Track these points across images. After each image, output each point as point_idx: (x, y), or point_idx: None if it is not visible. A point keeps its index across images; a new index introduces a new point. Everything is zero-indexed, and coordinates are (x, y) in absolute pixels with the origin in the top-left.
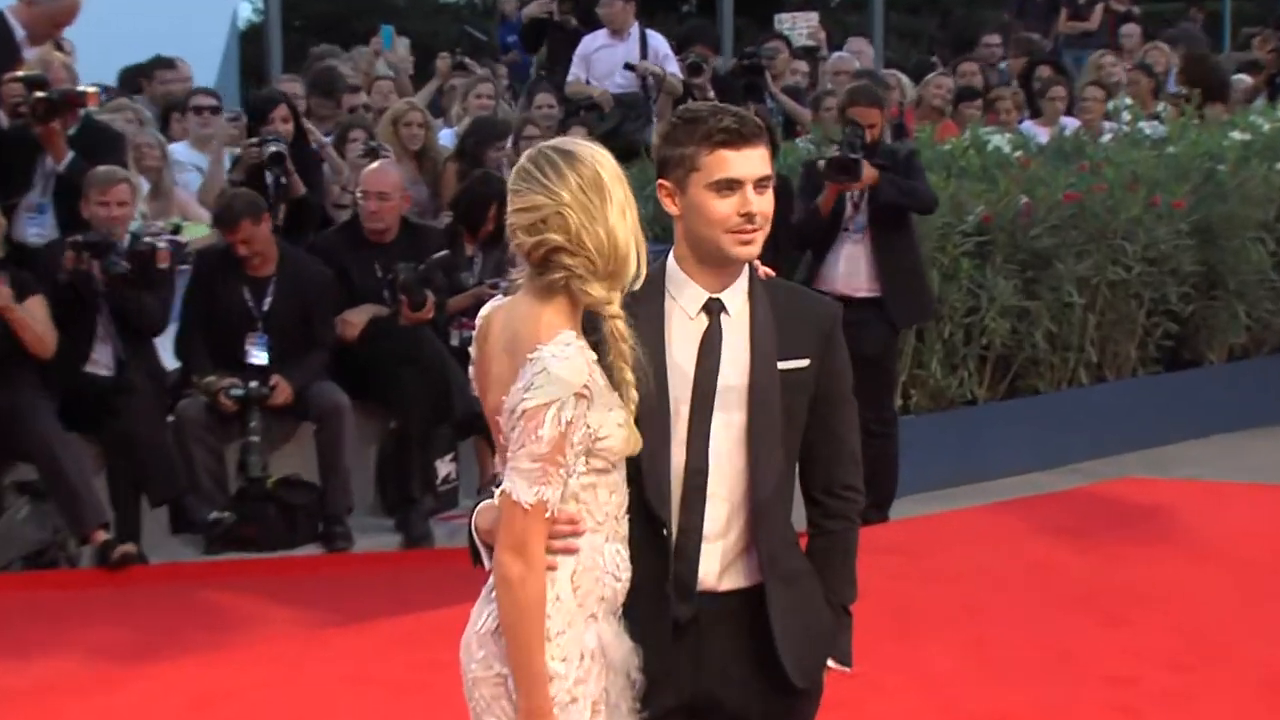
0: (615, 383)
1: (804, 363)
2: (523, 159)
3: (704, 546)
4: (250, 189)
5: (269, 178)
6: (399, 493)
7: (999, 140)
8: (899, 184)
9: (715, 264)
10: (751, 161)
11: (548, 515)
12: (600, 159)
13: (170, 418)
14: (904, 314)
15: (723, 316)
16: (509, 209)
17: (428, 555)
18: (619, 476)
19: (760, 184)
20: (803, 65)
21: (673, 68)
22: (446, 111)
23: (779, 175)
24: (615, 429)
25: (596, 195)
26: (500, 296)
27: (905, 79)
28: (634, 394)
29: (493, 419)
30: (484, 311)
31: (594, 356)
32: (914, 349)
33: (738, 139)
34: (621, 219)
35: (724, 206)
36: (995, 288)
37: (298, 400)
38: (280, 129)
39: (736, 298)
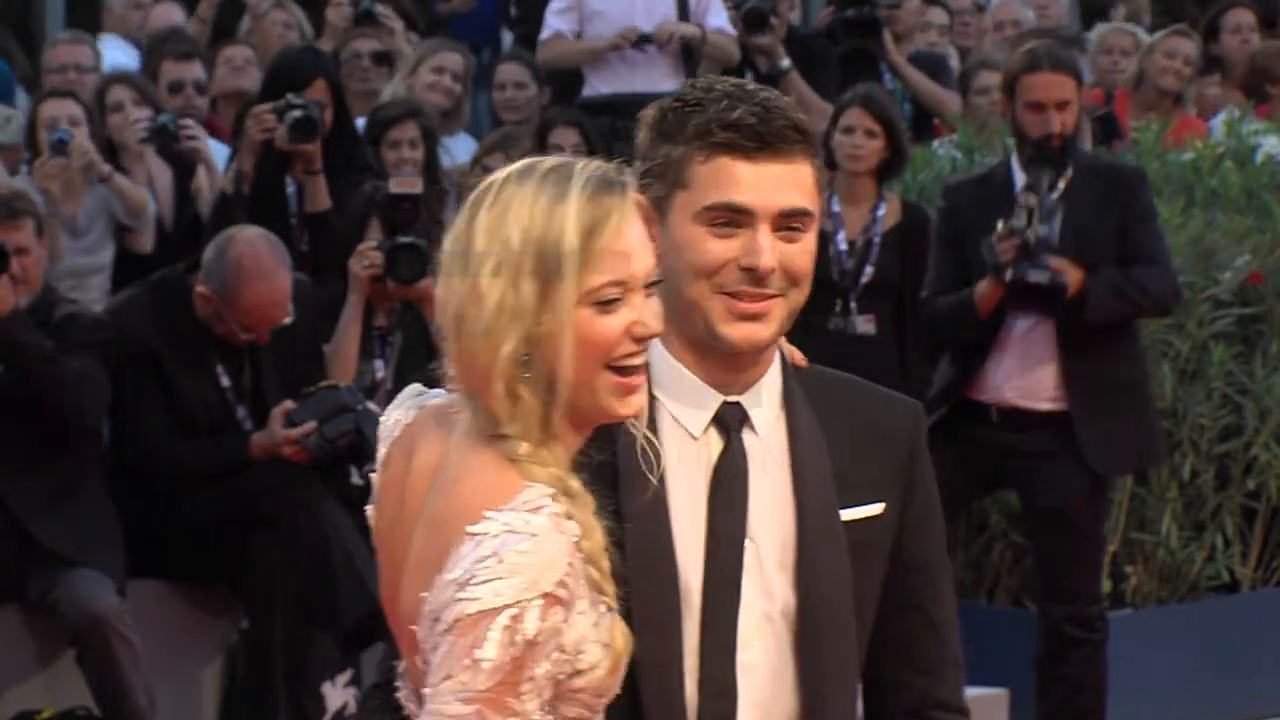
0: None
1: (876, 509)
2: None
3: None
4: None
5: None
6: None
7: (1275, 145)
8: (1116, 283)
9: (716, 348)
10: (775, 183)
11: None
12: (564, 203)
13: None
14: (1110, 452)
15: (745, 436)
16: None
17: None
18: None
19: (789, 223)
20: (942, 16)
21: (719, 20)
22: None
23: (909, 204)
24: (599, 651)
25: (536, 271)
26: (419, 388)
27: (1140, 32)
28: (608, 591)
29: (400, 627)
30: (397, 414)
31: (577, 530)
32: (1131, 496)
33: (755, 141)
34: (560, 308)
35: (717, 250)
36: (1270, 394)
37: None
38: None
39: (766, 403)
